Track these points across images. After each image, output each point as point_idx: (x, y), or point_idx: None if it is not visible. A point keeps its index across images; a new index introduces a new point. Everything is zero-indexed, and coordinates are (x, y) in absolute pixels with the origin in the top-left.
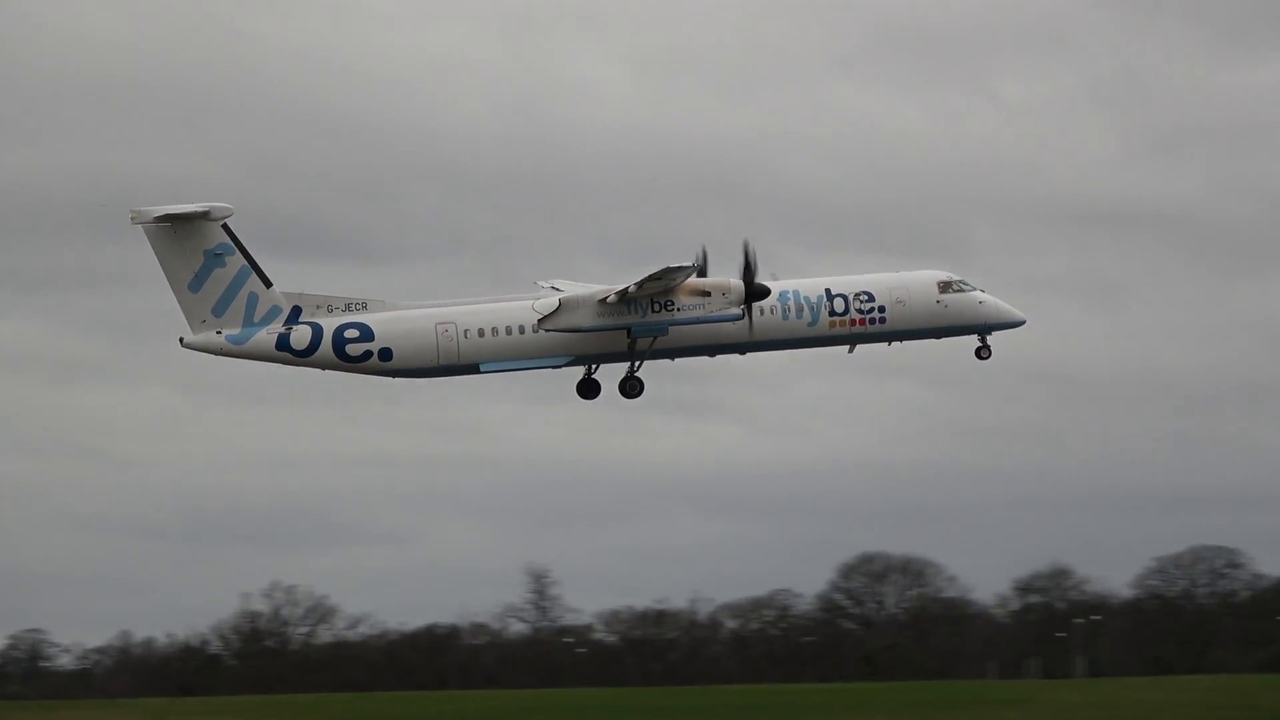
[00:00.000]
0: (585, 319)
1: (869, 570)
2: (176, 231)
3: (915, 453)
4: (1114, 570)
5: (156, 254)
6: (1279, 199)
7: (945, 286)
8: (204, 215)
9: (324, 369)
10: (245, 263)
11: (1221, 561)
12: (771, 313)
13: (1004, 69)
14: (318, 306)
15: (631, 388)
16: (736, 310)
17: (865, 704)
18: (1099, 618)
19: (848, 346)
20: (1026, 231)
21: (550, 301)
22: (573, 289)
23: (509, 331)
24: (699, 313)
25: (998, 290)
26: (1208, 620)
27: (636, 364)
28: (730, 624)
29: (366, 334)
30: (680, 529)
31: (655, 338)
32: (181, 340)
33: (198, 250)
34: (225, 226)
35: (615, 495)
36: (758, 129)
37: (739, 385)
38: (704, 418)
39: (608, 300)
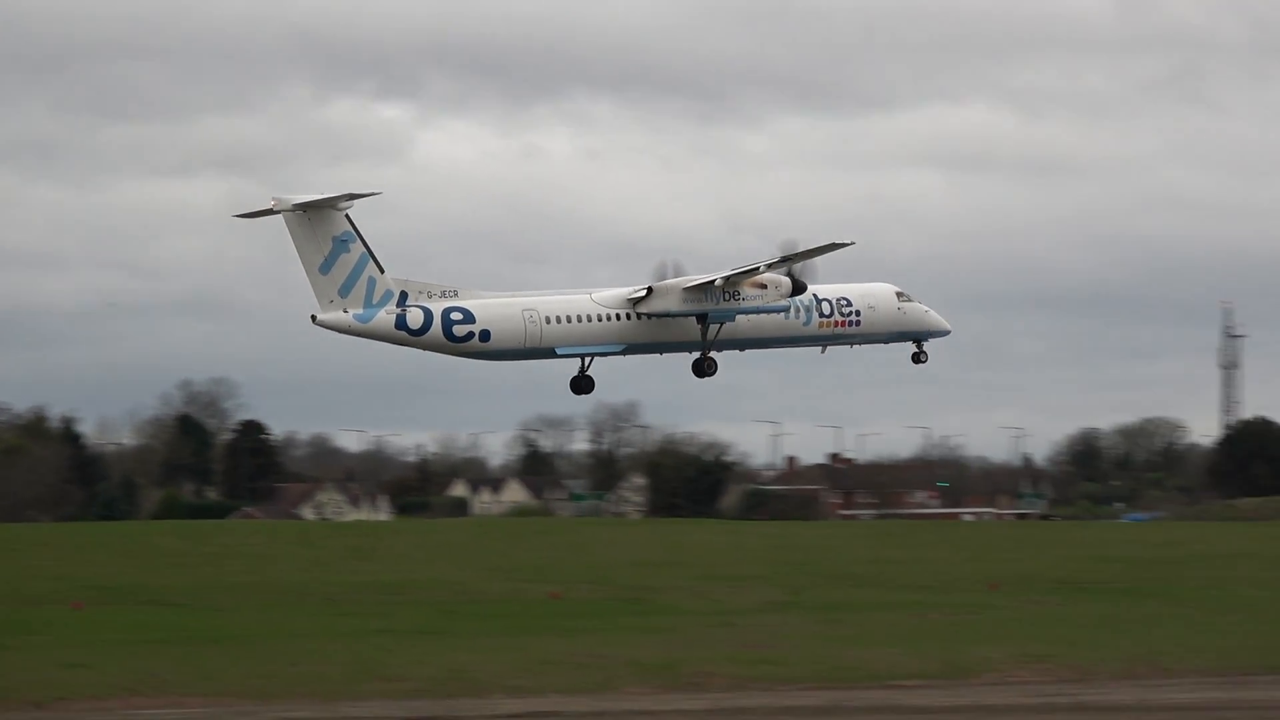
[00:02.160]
0: (673, 304)
1: None
2: (310, 218)
3: None
4: None
5: (293, 238)
6: None
7: (900, 295)
8: (332, 204)
9: (429, 350)
10: (365, 250)
11: None
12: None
13: None
14: (419, 292)
15: (709, 366)
16: (785, 303)
17: None
18: None
19: (821, 347)
20: None
21: (623, 291)
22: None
23: (579, 319)
24: (758, 303)
25: None
26: None
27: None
28: None
29: (469, 317)
30: None
31: (722, 325)
32: (314, 318)
33: (327, 236)
34: (347, 216)
35: None
36: None
37: None
38: None
39: (711, 284)
